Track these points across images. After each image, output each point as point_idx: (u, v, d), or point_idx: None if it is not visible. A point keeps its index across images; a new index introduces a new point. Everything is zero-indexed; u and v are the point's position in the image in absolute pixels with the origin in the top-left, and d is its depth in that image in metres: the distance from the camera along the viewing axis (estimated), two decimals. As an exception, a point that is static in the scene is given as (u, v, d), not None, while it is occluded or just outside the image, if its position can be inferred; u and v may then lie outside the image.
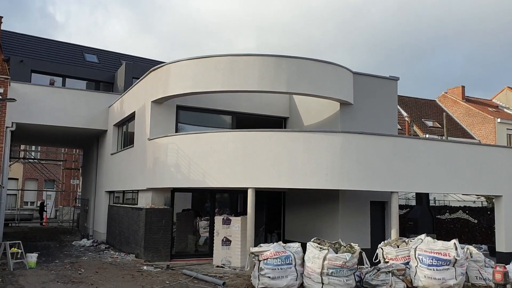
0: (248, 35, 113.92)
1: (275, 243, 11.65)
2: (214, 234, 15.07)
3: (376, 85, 16.51)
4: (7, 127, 18.87)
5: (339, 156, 13.20)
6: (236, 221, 14.71)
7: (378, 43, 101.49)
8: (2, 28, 21.93)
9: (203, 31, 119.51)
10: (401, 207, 21.94)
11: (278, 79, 14.22)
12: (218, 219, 15.04)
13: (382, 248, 12.72)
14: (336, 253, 10.87)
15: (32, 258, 13.98)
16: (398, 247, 12.60)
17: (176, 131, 16.21)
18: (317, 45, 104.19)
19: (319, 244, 11.19)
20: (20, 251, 14.16)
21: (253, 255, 11.37)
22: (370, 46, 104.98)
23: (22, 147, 38.25)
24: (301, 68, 14.38)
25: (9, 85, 19.05)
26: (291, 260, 11.02)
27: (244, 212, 15.76)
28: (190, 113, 16.83)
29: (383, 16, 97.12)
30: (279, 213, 17.90)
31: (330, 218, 15.32)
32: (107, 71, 25.87)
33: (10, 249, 13.82)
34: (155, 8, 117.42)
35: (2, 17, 21.50)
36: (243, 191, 15.66)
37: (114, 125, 20.62)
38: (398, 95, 19.44)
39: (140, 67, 23.86)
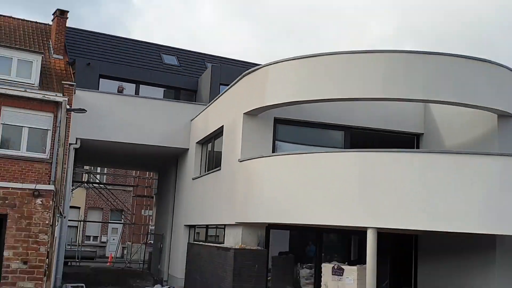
0: (384, 17, 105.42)
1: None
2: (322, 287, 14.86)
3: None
4: (70, 144, 20.24)
5: (497, 189, 12.48)
6: (350, 271, 14.34)
7: None
8: (67, 25, 23.74)
9: (321, 14, 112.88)
10: None
11: (410, 82, 13.89)
12: (327, 268, 14.77)
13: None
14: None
15: (96, 306, 14.68)
16: None
17: (274, 151, 16.33)
18: (487, 27, 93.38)
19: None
20: (83, 296, 14.95)
21: (376, 318, 10.98)
22: None
23: (86, 169, 40.76)
24: (442, 68, 13.93)
25: (74, 93, 20.52)
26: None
27: (359, 261, 15.38)
28: (291, 128, 16.95)
29: None
30: (409, 263, 17.33)
31: (482, 273, 14.50)
32: (189, 76, 26.89)
33: (72, 293, 14.65)
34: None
35: (67, 12, 23.35)
36: (358, 232, 15.25)
37: (197, 142, 21.30)
38: None
39: (229, 71, 24.44)
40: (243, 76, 16.93)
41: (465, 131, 16.06)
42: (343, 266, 14.53)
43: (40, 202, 9.98)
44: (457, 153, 13.34)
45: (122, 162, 31.44)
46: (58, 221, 14.71)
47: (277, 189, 14.76)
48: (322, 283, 14.86)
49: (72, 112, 19.21)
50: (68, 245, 29.95)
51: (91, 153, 24.85)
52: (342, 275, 14.41)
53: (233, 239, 16.23)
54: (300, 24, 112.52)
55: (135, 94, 24.77)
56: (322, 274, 14.94)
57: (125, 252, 41.23)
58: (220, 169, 18.13)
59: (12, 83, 19.76)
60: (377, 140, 17.30)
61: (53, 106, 19.61)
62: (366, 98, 14.78)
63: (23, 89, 19.31)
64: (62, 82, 20.57)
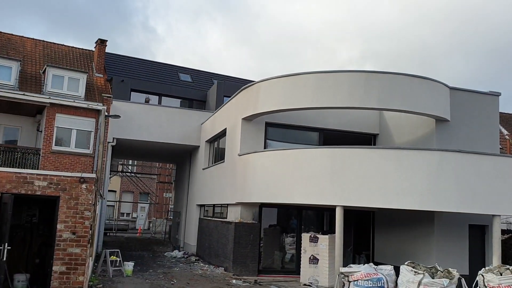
0: (352, 43, 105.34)
1: (366, 265, 11.23)
2: (301, 252, 14.85)
3: (476, 101, 15.52)
4: (108, 142, 20.23)
5: (435, 176, 12.47)
6: (323, 239, 14.39)
7: (499, 48, 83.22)
8: (106, 51, 23.68)
9: (302, 40, 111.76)
10: (502, 232, 20.18)
11: (368, 95, 13.84)
12: (305, 236, 14.81)
13: (483, 275, 11.74)
14: (433, 278, 10.21)
15: (129, 266, 14.67)
16: (501, 274, 11.57)
17: (265, 147, 16.31)
18: (430, 51, 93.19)
19: (413, 267, 10.59)
20: (118, 259, 14.95)
21: (342, 275, 11.02)
22: (491, 51, 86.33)
23: (120, 161, 40.65)
24: (393, 83, 13.88)
25: (111, 103, 20.46)
26: (383, 283, 10.53)
27: (330, 231, 15.40)
28: (278, 130, 16.88)
29: (507, 17, 79.76)
30: (368, 233, 17.26)
31: (424, 241, 14.49)
32: (200, 90, 26.81)
33: (109, 257, 14.64)
34: (250, 16, 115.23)
35: (106, 40, 23.28)
36: (329, 209, 15.27)
37: (206, 141, 21.24)
38: (500, 112, 18.11)
39: (231, 86, 24.45)
40: (241, 90, 16.91)
41: (410, 132, 16.03)
42: (318, 235, 14.57)
43: (85, 187, 9.95)
44: (404, 149, 13.28)
45: (148, 156, 31.33)
46: (99, 201, 14.68)
47: (267, 177, 14.76)
48: (302, 248, 14.91)
49: (109, 118, 19.17)
50: (106, 219, 29.83)
51: (124, 149, 24.78)
52: (317, 242, 14.47)
53: (233, 215, 16.24)
54: (286, 49, 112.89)
55: (158, 104, 24.69)
56: (302, 241, 15.01)
57: (150, 225, 41.07)
58: (223, 161, 18.11)
59: (64, 95, 19.70)
60: (343, 139, 17.28)
61: (95, 113, 19.55)
62: (335, 107, 14.77)
63: (72, 100, 19.22)
64: (102, 94, 20.49)
